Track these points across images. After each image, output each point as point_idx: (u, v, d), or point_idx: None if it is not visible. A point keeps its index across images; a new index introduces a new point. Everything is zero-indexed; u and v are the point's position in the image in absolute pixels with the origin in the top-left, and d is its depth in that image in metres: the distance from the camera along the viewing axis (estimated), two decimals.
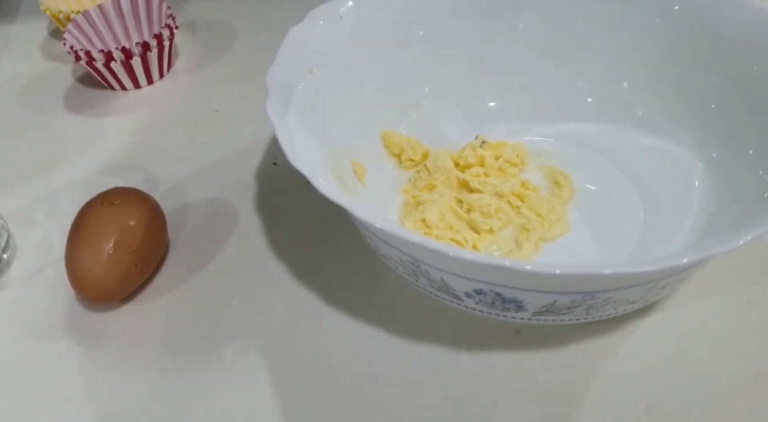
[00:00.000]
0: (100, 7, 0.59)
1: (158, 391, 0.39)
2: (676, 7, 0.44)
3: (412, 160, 0.47)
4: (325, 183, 0.36)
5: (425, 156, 0.48)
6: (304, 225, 0.47)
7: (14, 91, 0.58)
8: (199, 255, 0.45)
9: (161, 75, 0.59)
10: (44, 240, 0.47)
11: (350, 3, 0.45)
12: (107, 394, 0.39)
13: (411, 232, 0.32)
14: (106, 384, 0.40)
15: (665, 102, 0.46)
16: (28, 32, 0.65)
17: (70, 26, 0.57)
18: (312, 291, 0.43)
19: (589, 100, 0.48)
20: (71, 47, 0.55)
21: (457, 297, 0.37)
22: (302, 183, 0.48)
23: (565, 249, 0.43)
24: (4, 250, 0.45)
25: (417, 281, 0.39)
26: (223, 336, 0.41)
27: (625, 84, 0.47)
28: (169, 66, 0.60)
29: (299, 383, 0.39)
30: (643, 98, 0.47)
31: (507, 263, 0.30)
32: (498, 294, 0.35)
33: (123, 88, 0.58)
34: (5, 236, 0.45)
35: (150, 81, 0.59)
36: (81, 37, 0.58)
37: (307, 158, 0.37)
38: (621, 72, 0.47)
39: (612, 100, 0.48)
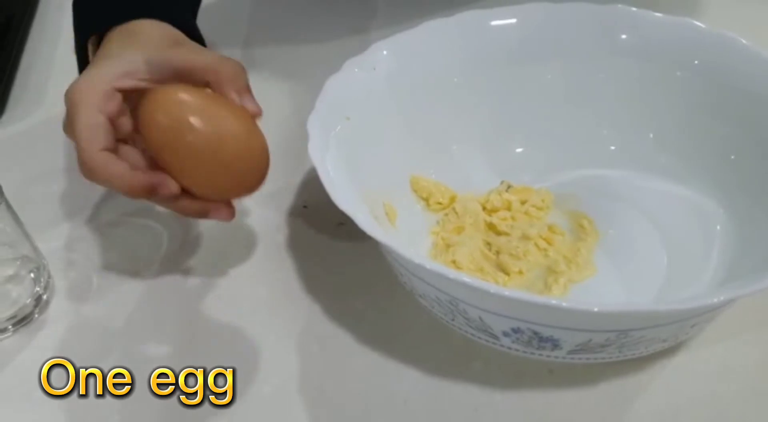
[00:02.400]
0: None
1: None
2: (696, 62, 0.47)
3: (439, 204, 0.49)
4: (368, 223, 0.37)
5: (452, 199, 0.49)
6: (335, 265, 0.48)
7: (48, 136, 0.60)
8: (234, 295, 0.47)
9: None
10: (81, 280, 0.48)
11: (384, 52, 0.47)
12: None
13: (454, 271, 0.34)
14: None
15: (686, 150, 0.48)
16: (62, 80, 0.67)
17: None
18: (347, 330, 0.44)
19: (612, 147, 0.50)
20: None
21: (493, 336, 0.38)
22: (332, 225, 0.50)
23: (593, 291, 0.44)
24: (44, 290, 0.46)
25: (453, 320, 0.40)
26: (260, 374, 0.42)
27: (648, 133, 0.49)
28: None
29: (334, 418, 0.40)
30: (664, 146, 0.49)
31: (553, 301, 0.32)
32: (535, 333, 0.36)
33: None
34: (46, 276, 0.47)
35: None
36: None
37: (348, 200, 0.39)
38: (643, 121, 0.49)
39: (634, 148, 0.50)
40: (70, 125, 0.42)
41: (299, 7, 0.72)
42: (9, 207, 0.44)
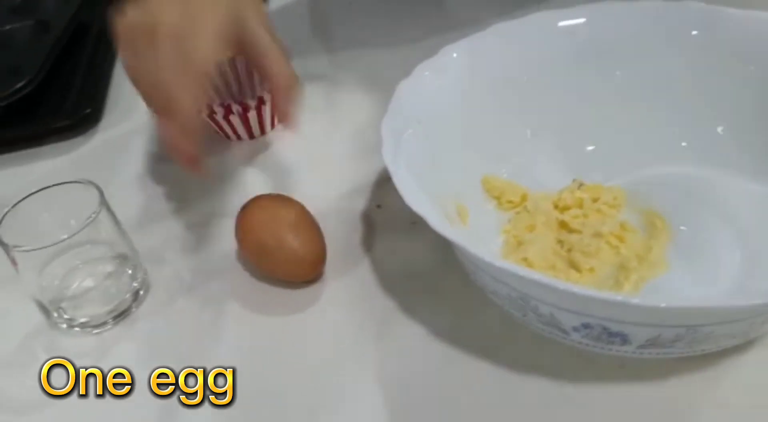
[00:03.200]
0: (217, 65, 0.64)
1: (282, 417, 0.42)
2: None
3: (511, 202, 0.50)
4: (440, 223, 0.39)
5: (524, 198, 0.50)
6: (409, 263, 0.50)
7: (140, 142, 0.64)
8: (313, 292, 0.49)
9: (272, 126, 0.64)
10: (174, 276, 0.51)
11: (454, 55, 0.49)
12: None
13: (525, 268, 0.35)
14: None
15: (760, 145, 0.48)
16: None
17: None
18: (420, 325, 0.46)
19: (684, 144, 0.50)
20: None
21: (563, 331, 0.39)
22: (405, 224, 0.52)
23: (664, 288, 0.44)
24: (141, 285, 0.50)
25: (524, 316, 0.41)
26: (336, 363, 0.45)
27: (720, 128, 0.49)
28: None
29: (410, 409, 0.42)
30: (737, 142, 0.48)
31: (620, 297, 0.32)
32: (605, 328, 0.37)
33: (238, 137, 0.63)
34: (142, 273, 0.50)
35: (263, 131, 0.63)
36: None
37: (420, 200, 0.41)
38: (716, 117, 0.49)
39: (706, 144, 0.49)
40: (180, 44, 0.45)
41: (373, 13, 0.74)
42: (108, 208, 0.47)
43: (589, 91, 0.51)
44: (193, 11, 0.46)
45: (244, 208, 0.50)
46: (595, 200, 0.49)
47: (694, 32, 0.48)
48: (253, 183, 0.59)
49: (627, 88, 0.50)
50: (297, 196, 0.56)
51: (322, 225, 0.52)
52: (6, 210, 0.46)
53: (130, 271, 0.50)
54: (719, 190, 0.48)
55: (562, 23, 0.49)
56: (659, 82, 0.50)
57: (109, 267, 0.50)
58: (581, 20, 0.49)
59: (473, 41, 0.49)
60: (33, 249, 0.44)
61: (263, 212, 0.49)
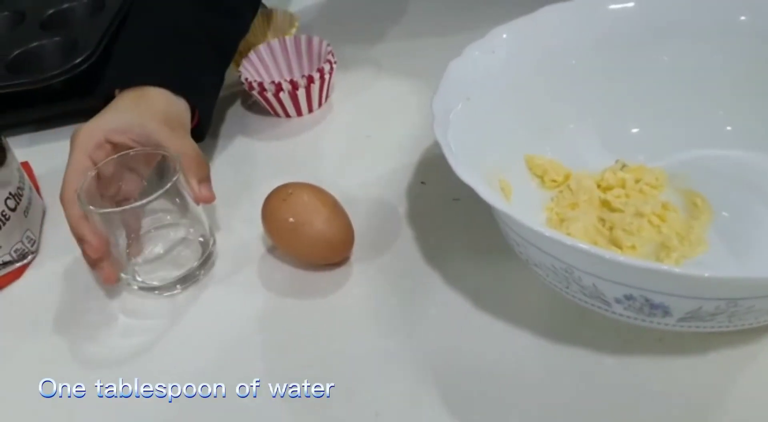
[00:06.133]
0: (268, 44, 0.66)
1: (330, 375, 0.44)
2: None
3: (554, 181, 0.51)
4: (488, 193, 0.40)
5: (567, 177, 0.51)
6: (452, 238, 0.51)
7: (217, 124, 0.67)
8: (361, 262, 0.51)
9: (320, 104, 0.66)
10: (240, 246, 0.53)
11: (504, 36, 0.50)
12: None
13: (572, 239, 0.36)
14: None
15: None
16: None
17: (244, 61, 0.65)
18: (462, 296, 0.47)
19: (728, 128, 0.51)
20: (246, 79, 0.63)
21: (606, 302, 0.41)
22: (449, 200, 0.54)
23: (704, 266, 0.45)
24: (210, 253, 0.52)
25: (567, 288, 0.42)
26: (384, 331, 0.46)
27: (766, 114, 0.50)
28: (327, 97, 0.66)
29: (451, 375, 0.43)
30: None
31: (664, 267, 0.34)
32: (647, 300, 0.38)
33: (287, 115, 0.65)
34: (212, 242, 0.52)
35: (310, 109, 0.65)
36: (252, 70, 0.65)
37: (469, 173, 0.42)
38: (761, 102, 0.50)
39: (751, 129, 0.50)
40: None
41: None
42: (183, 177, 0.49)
43: (636, 74, 0.52)
44: (83, 128, 0.51)
45: (269, 196, 0.50)
46: (637, 181, 0.50)
47: (743, 18, 0.49)
48: (297, 162, 0.61)
49: (673, 72, 0.51)
50: (341, 173, 0.58)
51: (366, 201, 0.54)
52: (89, 174, 0.48)
53: (200, 239, 0.52)
54: (762, 175, 0.49)
55: (611, 6, 0.50)
56: (706, 67, 0.51)
57: (180, 233, 0.52)
58: (630, 4, 0.50)
59: (523, 23, 0.50)
60: (106, 212, 0.46)
61: (289, 198, 0.50)
